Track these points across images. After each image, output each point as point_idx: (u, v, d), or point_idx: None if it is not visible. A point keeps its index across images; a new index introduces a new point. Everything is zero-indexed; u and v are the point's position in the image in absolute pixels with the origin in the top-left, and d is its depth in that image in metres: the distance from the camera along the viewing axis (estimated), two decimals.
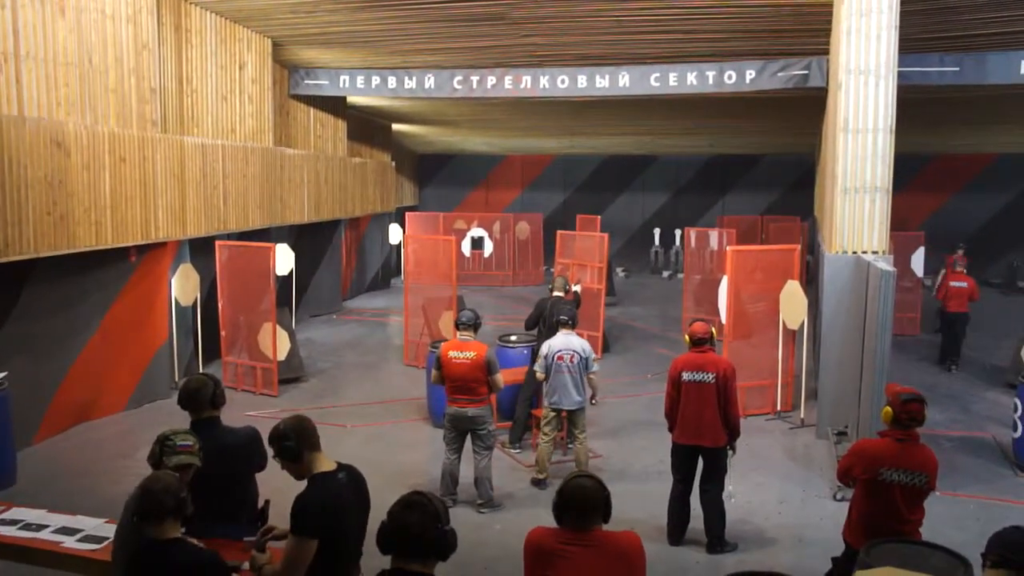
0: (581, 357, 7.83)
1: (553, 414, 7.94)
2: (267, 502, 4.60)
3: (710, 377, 6.55)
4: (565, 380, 7.82)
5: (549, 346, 7.97)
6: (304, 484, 3.95)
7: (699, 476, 6.77)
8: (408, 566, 2.97)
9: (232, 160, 12.13)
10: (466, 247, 22.83)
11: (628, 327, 16.58)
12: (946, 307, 13.07)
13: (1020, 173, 24.57)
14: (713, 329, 6.87)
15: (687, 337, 6.80)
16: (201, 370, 11.47)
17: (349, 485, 3.98)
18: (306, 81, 14.83)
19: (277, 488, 4.69)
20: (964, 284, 12.97)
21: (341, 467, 4.02)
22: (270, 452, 4.06)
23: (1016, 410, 8.59)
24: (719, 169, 27.18)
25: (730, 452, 6.74)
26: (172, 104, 10.95)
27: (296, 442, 3.92)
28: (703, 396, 6.55)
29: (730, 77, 12.61)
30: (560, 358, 7.82)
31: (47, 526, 5.00)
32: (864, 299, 8.32)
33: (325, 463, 3.98)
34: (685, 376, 6.63)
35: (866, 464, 4.88)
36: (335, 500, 3.86)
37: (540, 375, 8.05)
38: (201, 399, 4.73)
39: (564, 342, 7.92)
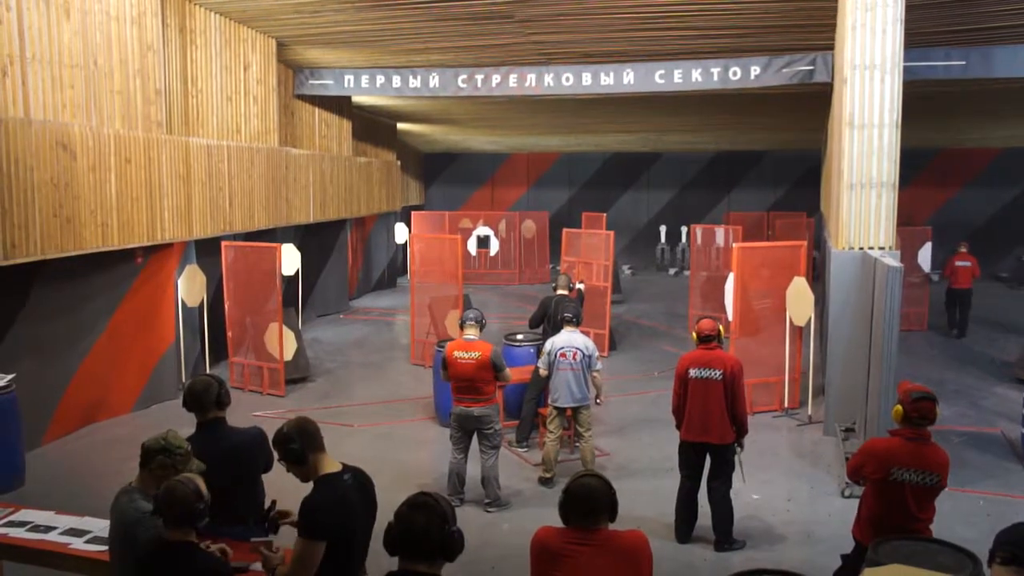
0: (584, 355, 7.82)
1: (556, 412, 7.94)
2: (273, 502, 4.60)
3: (717, 374, 6.53)
4: (567, 378, 7.82)
5: (552, 343, 7.97)
6: (310, 487, 3.96)
7: (707, 473, 6.76)
8: (415, 567, 2.97)
9: (237, 161, 12.15)
10: (472, 246, 22.83)
11: (634, 325, 16.57)
12: (954, 284, 15.21)
13: None
14: (720, 326, 6.85)
15: (694, 334, 6.78)
16: (208, 371, 11.50)
17: (354, 486, 3.98)
18: (311, 81, 14.84)
19: (283, 488, 4.70)
20: (968, 263, 15.21)
21: (347, 468, 4.02)
22: (275, 456, 4.05)
23: None
24: (725, 166, 27.11)
25: (738, 449, 6.72)
26: (177, 105, 10.97)
27: (300, 444, 3.90)
28: (710, 393, 6.53)
29: (735, 73, 12.58)
30: (563, 355, 7.82)
31: (55, 527, 5.02)
32: (871, 295, 8.29)
33: (330, 464, 3.98)
34: (692, 373, 6.61)
35: (877, 463, 4.85)
36: (342, 501, 3.86)
37: (543, 371, 8.05)
38: (207, 400, 4.73)
39: (567, 339, 7.91)
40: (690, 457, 6.74)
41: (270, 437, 4.32)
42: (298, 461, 3.92)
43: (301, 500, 3.81)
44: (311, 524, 3.75)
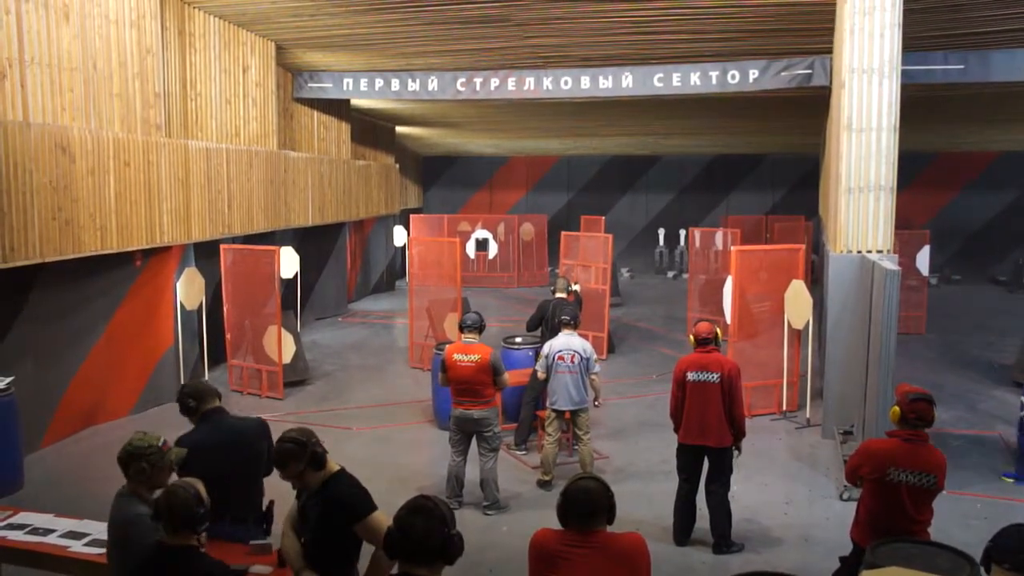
0: (582, 357, 7.82)
1: (555, 414, 7.94)
2: (271, 503, 4.62)
3: (715, 377, 6.54)
4: (565, 380, 7.82)
5: (550, 346, 7.98)
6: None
7: (705, 476, 6.76)
8: (415, 571, 2.96)
9: (236, 164, 12.15)
10: (471, 249, 22.83)
11: (633, 328, 16.58)
12: None
13: None
14: (718, 329, 6.86)
15: (691, 337, 6.80)
16: (207, 374, 11.51)
17: None
18: (310, 84, 14.86)
19: (285, 488, 4.71)
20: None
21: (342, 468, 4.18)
22: (293, 467, 4.07)
23: (1023, 408, 8.57)
24: (723, 169, 27.14)
25: (735, 452, 6.73)
26: (176, 108, 10.97)
27: (322, 448, 4.03)
28: (708, 396, 6.54)
29: (733, 77, 12.60)
30: (561, 358, 7.82)
31: (54, 530, 5.02)
32: (869, 298, 8.30)
33: (333, 464, 4.11)
34: (690, 376, 6.62)
35: (874, 464, 4.86)
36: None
37: (541, 374, 8.06)
38: (207, 390, 4.84)
39: (565, 342, 7.92)
40: (688, 460, 6.75)
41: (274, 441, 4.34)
42: (322, 464, 4.01)
43: (348, 495, 3.99)
44: (367, 499, 4.00)
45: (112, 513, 4.08)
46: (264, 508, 4.73)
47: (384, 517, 3.84)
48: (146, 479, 4.04)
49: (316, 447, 3.97)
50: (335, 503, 3.95)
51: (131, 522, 3.94)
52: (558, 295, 10.58)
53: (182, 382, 10.96)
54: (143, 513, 3.88)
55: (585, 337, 8.95)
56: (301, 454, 3.95)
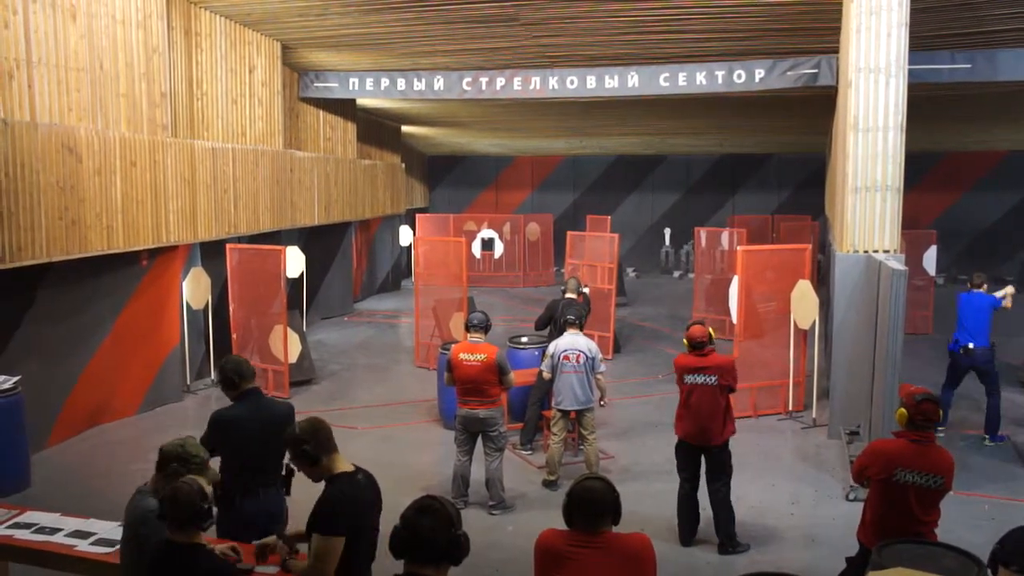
0: (588, 357, 7.82)
1: (560, 414, 7.94)
2: (288, 467, 4.65)
3: (713, 380, 6.58)
4: (570, 380, 7.82)
5: (555, 346, 7.99)
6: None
7: (706, 475, 6.76)
8: (421, 571, 2.97)
9: (242, 163, 12.17)
10: (476, 248, 22.82)
11: (639, 327, 16.56)
12: None
13: None
14: (711, 330, 6.87)
15: (686, 341, 6.81)
16: (212, 374, 11.52)
17: (367, 486, 4.06)
18: (316, 84, 14.87)
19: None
20: None
21: (359, 469, 4.10)
22: (286, 455, 4.12)
23: None
24: (729, 168, 27.06)
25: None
26: (182, 108, 10.99)
27: (313, 446, 3.98)
28: (706, 398, 6.59)
29: (739, 76, 12.57)
30: (566, 358, 7.83)
31: (61, 529, 5.02)
32: (876, 298, 8.28)
33: (343, 464, 4.05)
34: (687, 379, 6.67)
35: (881, 465, 4.85)
36: (356, 499, 3.95)
37: (547, 374, 8.06)
38: (248, 370, 5.12)
39: (570, 342, 7.92)
40: (686, 456, 6.76)
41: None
42: (311, 463, 4.00)
43: (317, 499, 3.90)
44: (330, 520, 3.83)
45: (128, 508, 4.11)
46: (283, 473, 4.82)
47: (331, 545, 3.79)
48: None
49: (303, 446, 3.97)
50: (317, 504, 3.94)
51: (143, 519, 3.96)
52: (568, 295, 10.60)
53: (188, 382, 11.02)
54: (154, 508, 3.89)
55: (591, 337, 8.94)
56: (293, 446, 4.03)
